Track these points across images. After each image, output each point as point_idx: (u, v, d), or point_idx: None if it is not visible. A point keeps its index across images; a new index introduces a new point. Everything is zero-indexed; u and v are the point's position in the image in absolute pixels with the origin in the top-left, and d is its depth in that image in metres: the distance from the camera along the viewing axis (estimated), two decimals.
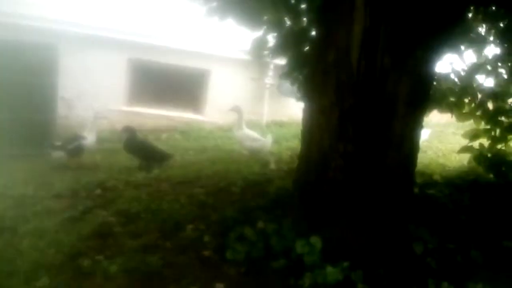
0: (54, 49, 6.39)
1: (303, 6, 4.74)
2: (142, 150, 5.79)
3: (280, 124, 8.33)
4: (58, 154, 5.77)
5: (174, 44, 7.83)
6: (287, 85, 8.10)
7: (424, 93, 3.30)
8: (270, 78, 8.32)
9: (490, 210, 4.04)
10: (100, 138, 7.30)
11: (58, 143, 5.81)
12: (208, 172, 5.38)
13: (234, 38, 7.93)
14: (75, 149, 5.83)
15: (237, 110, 6.37)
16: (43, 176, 5.33)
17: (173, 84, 8.20)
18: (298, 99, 5.32)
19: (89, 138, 6.02)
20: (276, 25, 4.83)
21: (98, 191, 4.68)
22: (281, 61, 8.07)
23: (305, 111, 3.56)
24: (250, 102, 8.27)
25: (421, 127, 3.38)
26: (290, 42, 4.91)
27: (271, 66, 8.26)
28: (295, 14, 4.78)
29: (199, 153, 6.63)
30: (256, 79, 8.38)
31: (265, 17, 4.75)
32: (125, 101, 8.04)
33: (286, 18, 4.83)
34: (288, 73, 5.21)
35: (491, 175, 4.94)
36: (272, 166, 5.69)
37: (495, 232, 3.60)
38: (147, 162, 5.74)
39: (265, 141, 6.27)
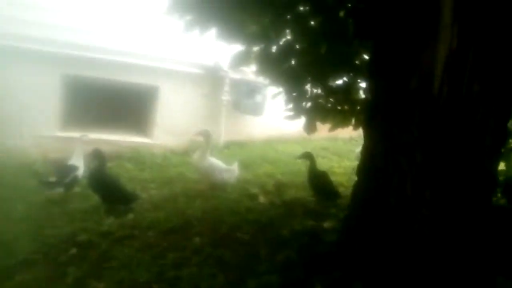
0: None
1: (288, 16, 4.20)
2: (110, 188, 4.70)
3: (239, 145, 7.61)
4: (57, 191, 5.05)
5: (116, 57, 6.75)
6: (246, 101, 7.50)
7: (506, 125, 2.87)
8: (226, 94, 7.56)
9: None
10: (34, 172, 6.13)
11: (53, 179, 5.08)
12: (193, 212, 4.55)
13: (183, 50, 7.11)
14: (71, 182, 5.16)
15: (205, 134, 5.41)
16: None
17: (115, 104, 7.10)
18: (288, 118, 4.70)
19: (80, 167, 5.31)
20: (261, 38, 4.28)
21: (74, 251, 3.67)
22: (236, 75, 7.51)
23: (367, 149, 2.97)
24: (204, 121, 7.44)
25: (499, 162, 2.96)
26: (281, 56, 4.40)
27: (227, 81, 7.52)
28: (280, 25, 4.27)
29: (163, 185, 5.70)
30: (209, 95, 7.58)
31: (248, 30, 4.20)
32: (59, 125, 6.80)
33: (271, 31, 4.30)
34: (284, 91, 4.62)
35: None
36: (262, 199, 5.01)
37: None
38: (111, 204, 4.73)
39: (233, 170, 5.45)
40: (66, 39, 6.40)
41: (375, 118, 2.92)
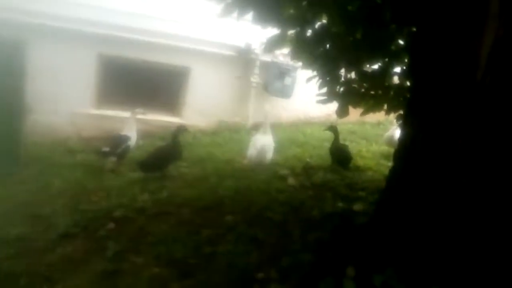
0: (22, 44, 5.24)
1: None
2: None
3: None
4: (110, 160, 5.49)
5: (150, 38, 6.86)
6: (275, 83, 7.54)
7: None
8: (256, 76, 7.59)
9: None
10: (68, 149, 6.33)
11: (107, 149, 5.42)
12: (225, 191, 4.66)
13: (215, 32, 7.16)
14: (124, 152, 5.56)
15: (264, 114, 6.01)
16: (24, 205, 4.33)
17: (148, 84, 7.22)
18: (321, 102, 4.67)
19: (132, 138, 5.72)
20: (297, 21, 4.27)
21: (111, 225, 3.83)
22: (267, 57, 7.54)
23: (407, 135, 3.00)
24: (234, 102, 7.55)
25: None
26: (316, 39, 4.39)
27: (257, 63, 7.55)
28: (318, 9, 4.25)
29: (195, 164, 5.81)
30: (239, 77, 7.64)
31: (285, 13, 4.22)
32: (93, 103, 6.97)
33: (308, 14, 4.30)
34: (318, 75, 4.61)
35: None
36: (291, 181, 5.08)
37: None
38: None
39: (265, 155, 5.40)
40: (102, 19, 6.51)
41: (416, 105, 2.94)
